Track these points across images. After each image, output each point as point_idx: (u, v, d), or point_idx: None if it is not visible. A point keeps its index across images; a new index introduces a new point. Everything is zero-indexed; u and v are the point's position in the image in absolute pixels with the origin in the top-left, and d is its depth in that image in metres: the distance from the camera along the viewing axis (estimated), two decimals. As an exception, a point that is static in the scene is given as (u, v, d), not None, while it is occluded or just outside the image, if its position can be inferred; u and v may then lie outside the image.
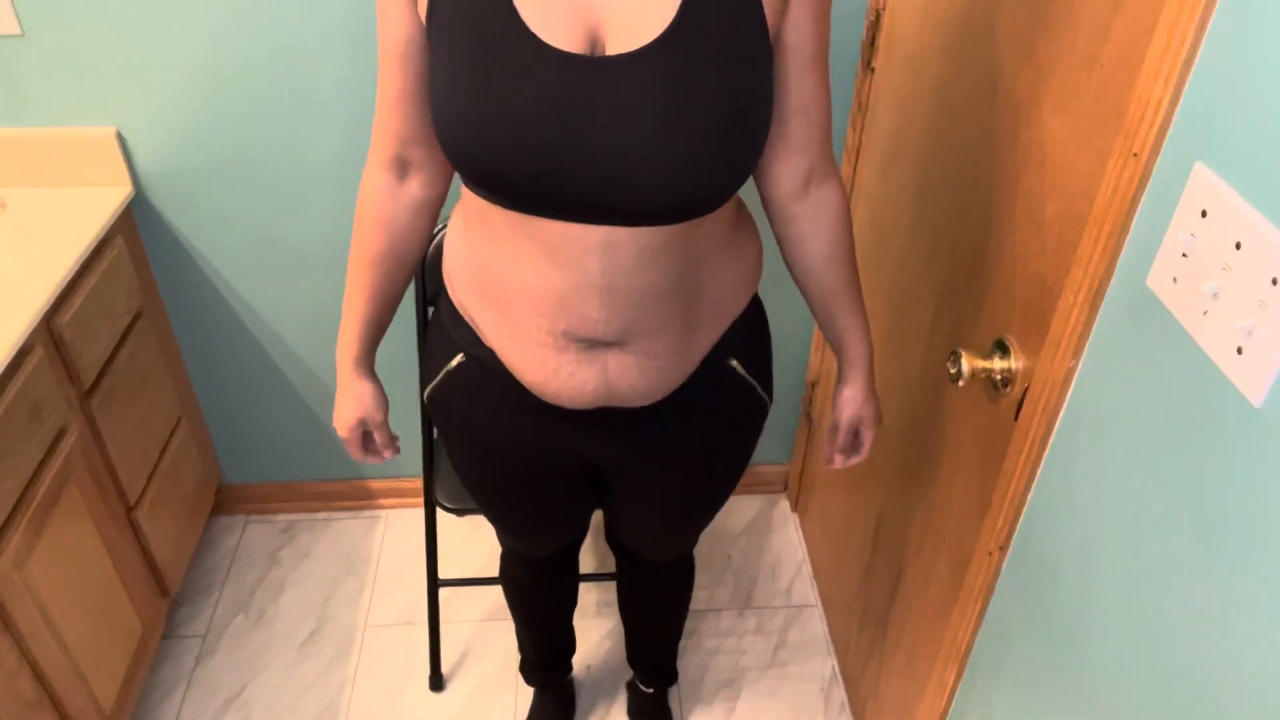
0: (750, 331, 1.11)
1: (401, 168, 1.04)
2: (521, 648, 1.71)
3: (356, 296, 1.11)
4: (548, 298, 0.94)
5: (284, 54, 1.57)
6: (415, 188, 1.06)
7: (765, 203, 1.06)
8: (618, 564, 1.55)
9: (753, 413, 1.16)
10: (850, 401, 1.17)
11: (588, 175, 0.86)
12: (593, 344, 0.97)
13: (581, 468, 1.19)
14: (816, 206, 1.04)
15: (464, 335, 1.08)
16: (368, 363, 1.16)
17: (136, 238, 1.72)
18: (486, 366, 1.06)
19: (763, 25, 0.87)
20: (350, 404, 1.16)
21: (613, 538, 1.51)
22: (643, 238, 0.90)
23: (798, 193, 1.03)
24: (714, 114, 0.85)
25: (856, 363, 1.15)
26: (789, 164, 1.01)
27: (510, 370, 1.04)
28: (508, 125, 0.85)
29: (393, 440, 1.21)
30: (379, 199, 1.06)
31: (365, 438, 1.21)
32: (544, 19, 0.85)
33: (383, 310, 1.13)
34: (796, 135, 0.99)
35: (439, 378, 1.13)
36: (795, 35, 0.92)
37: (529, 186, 0.88)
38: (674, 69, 0.84)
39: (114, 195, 1.63)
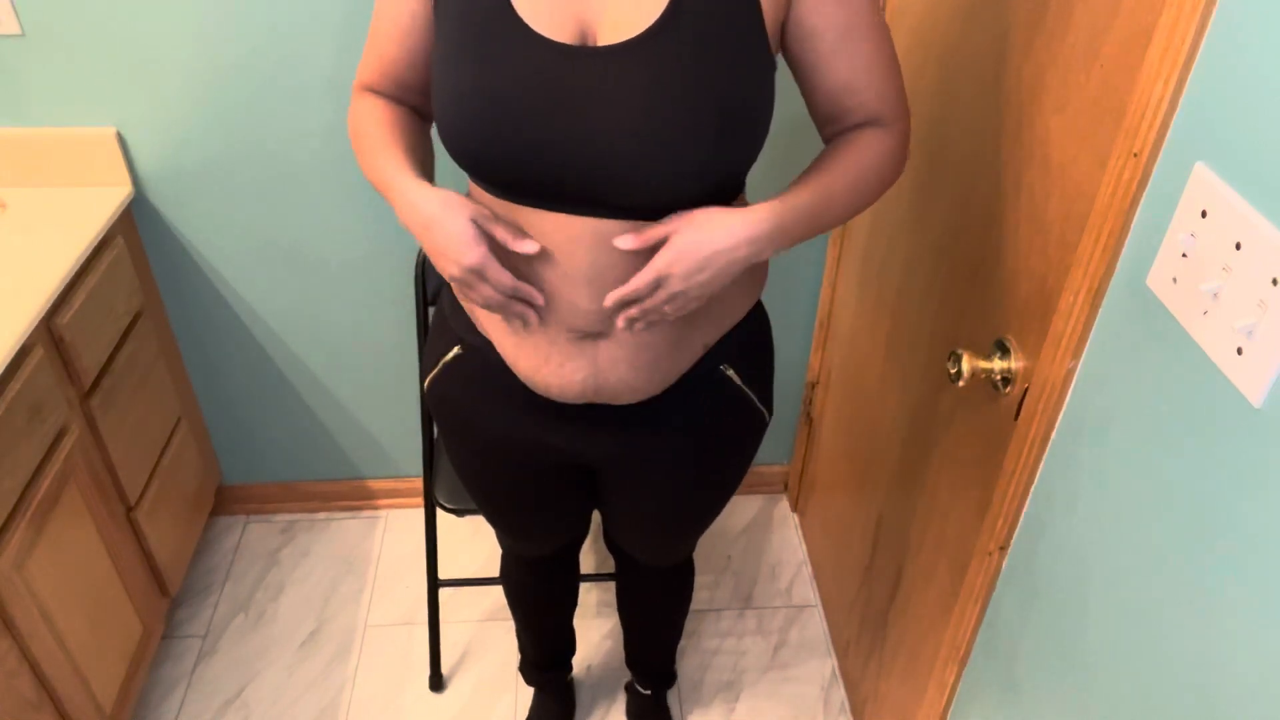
0: (749, 341, 1.10)
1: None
2: (521, 648, 1.71)
3: (391, 154, 0.96)
4: (538, 287, 0.95)
5: (284, 54, 1.57)
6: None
7: None
8: (617, 566, 1.55)
9: (747, 425, 1.15)
10: (690, 220, 0.88)
11: (573, 164, 0.86)
12: (583, 335, 0.98)
13: (574, 467, 1.19)
14: (855, 135, 0.98)
15: (462, 324, 1.08)
16: (430, 180, 0.94)
17: (136, 238, 1.72)
18: (483, 357, 1.07)
19: (758, 19, 0.87)
20: (446, 216, 0.88)
21: (611, 540, 1.51)
22: (633, 231, 0.90)
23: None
24: (700, 108, 0.85)
25: (751, 208, 0.89)
26: (823, 130, 0.99)
27: (504, 359, 1.04)
28: (494, 110, 0.86)
29: (518, 234, 0.91)
30: (370, 100, 1.03)
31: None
32: (536, 9, 0.86)
33: (424, 154, 0.99)
34: (842, 113, 0.96)
35: (436, 369, 1.13)
36: (816, 18, 0.90)
37: (517, 173, 0.88)
38: (660, 61, 0.84)
39: (114, 195, 1.63)
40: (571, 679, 1.79)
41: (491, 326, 1.04)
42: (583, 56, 0.85)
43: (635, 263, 0.92)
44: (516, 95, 0.85)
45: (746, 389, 1.11)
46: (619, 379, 1.01)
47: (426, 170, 0.98)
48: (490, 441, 1.15)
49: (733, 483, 1.24)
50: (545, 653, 1.68)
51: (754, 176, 1.00)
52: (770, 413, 1.17)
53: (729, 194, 0.95)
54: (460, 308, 1.08)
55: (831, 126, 0.99)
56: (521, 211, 0.92)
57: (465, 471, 1.24)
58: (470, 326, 1.07)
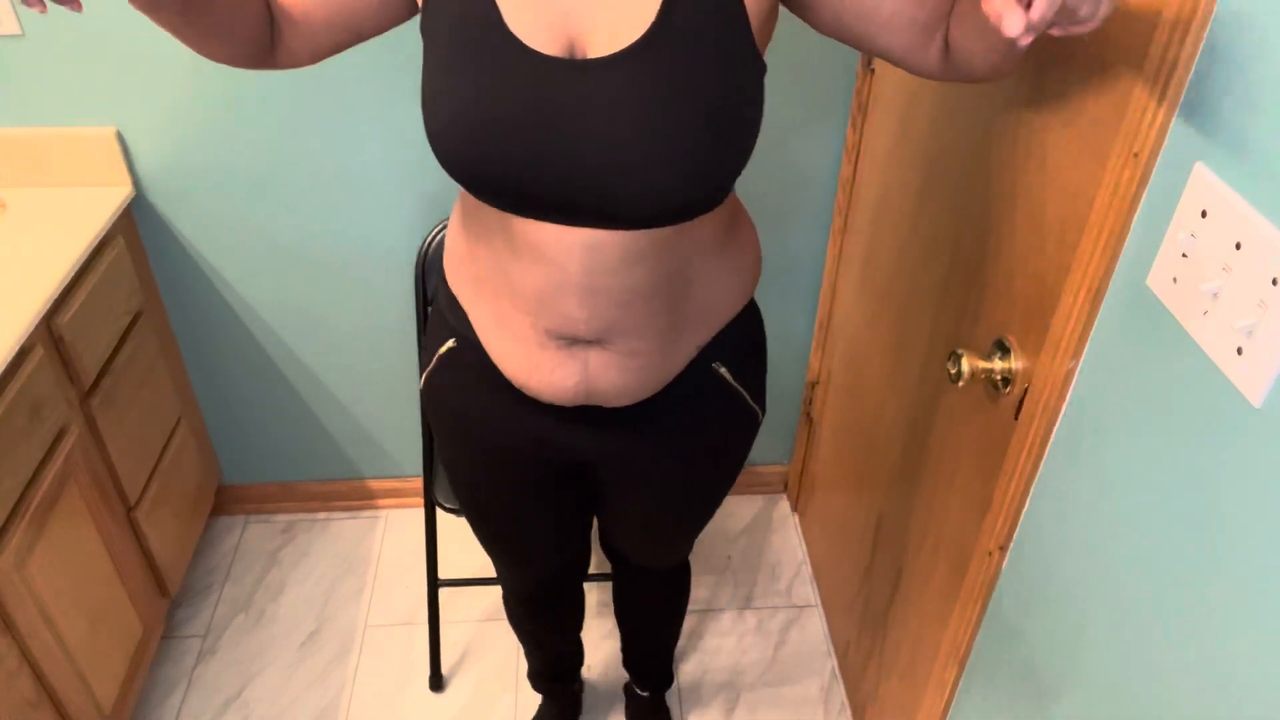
0: (741, 338, 1.10)
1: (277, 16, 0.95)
2: (528, 658, 1.70)
3: None
4: (531, 295, 0.95)
5: (284, 54, 1.56)
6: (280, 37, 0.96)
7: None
8: (613, 570, 1.55)
9: (739, 422, 1.15)
10: None
11: (565, 178, 0.86)
12: (574, 341, 0.98)
13: (567, 466, 1.19)
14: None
15: (458, 318, 1.08)
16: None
17: (136, 238, 1.72)
18: (477, 351, 1.07)
19: (744, 24, 0.87)
20: None
21: (607, 545, 1.51)
22: (626, 240, 0.91)
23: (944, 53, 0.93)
24: (691, 118, 0.85)
25: None
26: (926, 53, 0.93)
27: (495, 363, 1.04)
28: (487, 125, 0.86)
29: None
30: None
31: None
32: (526, 23, 0.85)
33: None
34: (935, 10, 0.90)
35: (433, 363, 1.13)
36: None
37: (509, 187, 0.89)
38: (650, 73, 0.84)
39: (114, 195, 1.63)
40: (580, 685, 1.78)
41: (484, 332, 1.04)
42: (574, 69, 0.85)
43: (632, 272, 0.93)
44: (509, 112, 0.85)
45: (738, 386, 1.12)
46: (610, 383, 1.01)
47: None
48: (484, 438, 1.15)
49: (727, 481, 1.24)
50: (553, 667, 1.68)
51: (747, 176, 1.00)
52: (763, 411, 1.18)
53: (719, 198, 0.96)
54: (456, 304, 1.08)
55: (934, 31, 0.91)
56: (515, 222, 0.92)
57: (460, 479, 1.23)
58: (465, 321, 1.07)
